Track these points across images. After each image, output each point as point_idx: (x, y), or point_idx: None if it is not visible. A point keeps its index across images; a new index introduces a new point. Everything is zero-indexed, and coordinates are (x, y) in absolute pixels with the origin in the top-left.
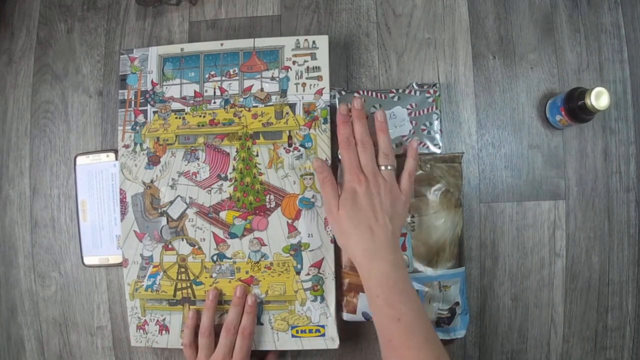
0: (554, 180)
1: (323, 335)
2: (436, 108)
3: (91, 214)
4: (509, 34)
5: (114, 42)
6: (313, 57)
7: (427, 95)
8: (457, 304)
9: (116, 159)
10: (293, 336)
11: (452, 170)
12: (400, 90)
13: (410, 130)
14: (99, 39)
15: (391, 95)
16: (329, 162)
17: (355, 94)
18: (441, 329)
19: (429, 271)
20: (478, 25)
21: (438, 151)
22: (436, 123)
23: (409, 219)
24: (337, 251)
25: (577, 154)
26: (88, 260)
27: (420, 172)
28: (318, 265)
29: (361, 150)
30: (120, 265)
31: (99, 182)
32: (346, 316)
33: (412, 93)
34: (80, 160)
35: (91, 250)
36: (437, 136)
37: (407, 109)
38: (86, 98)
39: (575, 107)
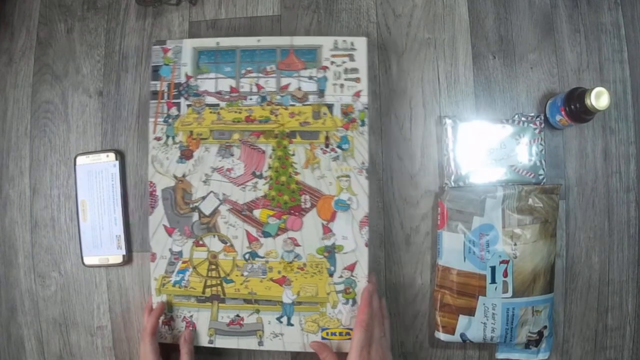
0: (554, 180)
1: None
2: (541, 140)
3: (91, 214)
4: (509, 34)
5: (114, 42)
6: (351, 58)
7: (534, 126)
8: (545, 327)
9: (116, 159)
10: (323, 338)
11: (551, 201)
12: (510, 121)
13: (518, 161)
14: (99, 39)
15: (501, 125)
16: (366, 164)
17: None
18: (529, 351)
19: (525, 297)
20: (478, 25)
21: (541, 182)
22: (542, 154)
23: (511, 247)
24: (371, 255)
25: (577, 154)
26: (88, 260)
27: (524, 202)
28: (351, 268)
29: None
30: (119, 265)
31: (99, 182)
32: (443, 336)
33: (520, 124)
34: (80, 160)
35: (91, 250)
36: (542, 167)
37: (516, 139)
38: (86, 98)
39: (575, 107)
